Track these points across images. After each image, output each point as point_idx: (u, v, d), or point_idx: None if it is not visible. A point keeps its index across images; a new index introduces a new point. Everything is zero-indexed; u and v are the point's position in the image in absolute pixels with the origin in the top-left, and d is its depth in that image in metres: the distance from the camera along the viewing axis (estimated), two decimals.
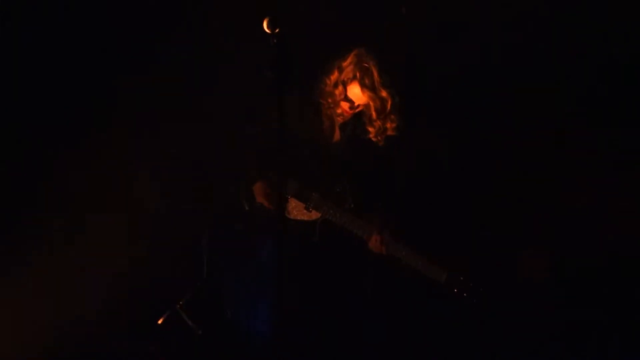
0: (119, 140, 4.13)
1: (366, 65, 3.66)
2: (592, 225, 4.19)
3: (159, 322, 3.93)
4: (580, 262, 4.21)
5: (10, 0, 3.94)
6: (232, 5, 4.04)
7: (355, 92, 3.69)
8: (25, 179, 4.05)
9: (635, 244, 4.13)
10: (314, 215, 3.78)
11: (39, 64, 3.99)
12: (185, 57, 4.12)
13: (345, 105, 3.73)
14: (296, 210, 3.79)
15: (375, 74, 3.66)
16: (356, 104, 3.72)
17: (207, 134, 4.14)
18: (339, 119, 3.82)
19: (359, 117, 3.79)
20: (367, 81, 3.66)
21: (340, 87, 3.71)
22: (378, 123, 3.74)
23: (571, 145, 4.17)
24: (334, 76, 3.73)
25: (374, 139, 3.78)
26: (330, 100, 3.75)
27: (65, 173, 4.07)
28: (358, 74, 3.66)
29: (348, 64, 3.70)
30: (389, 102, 3.69)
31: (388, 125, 3.74)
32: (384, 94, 3.68)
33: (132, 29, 4.07)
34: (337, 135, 3.86)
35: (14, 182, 4.02)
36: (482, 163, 4.28)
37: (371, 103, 3.70)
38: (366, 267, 3.85)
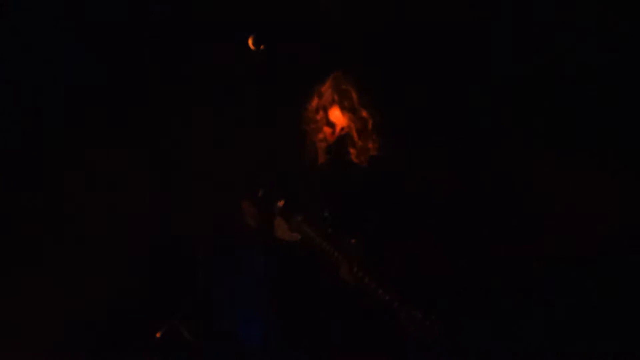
0: (116, 153, 4.16)
1: (344, 87, 3.73)
2: (585, 226, 4.19)
3: (157, 335, 3.93)
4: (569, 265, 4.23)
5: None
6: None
7: (337, 116, 3.76)
8: (24, 183, 4.08)
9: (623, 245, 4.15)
10: (295, 237, 3.81)
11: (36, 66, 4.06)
12: (179, 70, 4.17)
13: (328, 130, 3.79)
14: (281, 229, 3.83)
15: (354, 95, 3.73)
16: (338, 128, 3.79)
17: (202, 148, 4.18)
18: (323, 144, 3.87)
19: (342, 139, 3.84)
20: (346, 103, 3.73)
21: (321, 113, 3.78)
22: (360, 144, 3.79)
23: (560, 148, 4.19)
24: (314, 102, 3.81)
25: (356, 160, 3.82)
26: (313, 127, 3.82)
27: (61, 188, 4.11)
28: (336, 97, 3.73)
29: (327, 88, 3.77)
30: (370, 122, 3.76)
31: (370, 145, 3.79)
32: (364, 114, 3.75)
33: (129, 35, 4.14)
34: (321, 158, 3.91)
35: (13, 183, 4.06)
36: (467, 183, 4.28)
37: (352, 124, 3.76)
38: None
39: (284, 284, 3.80)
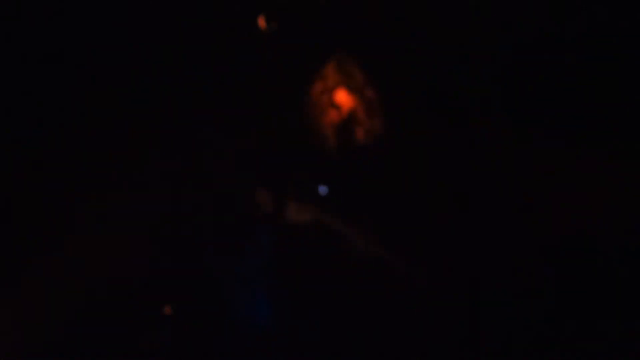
0: (122, 142, 4.17)
1: (349, 68, 3.77)
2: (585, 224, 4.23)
3: (166, 312, 3.92)
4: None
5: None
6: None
7: (342, 98, 3.80)
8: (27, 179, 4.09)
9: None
10: (308, 217, 3.84)
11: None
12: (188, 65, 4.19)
13: (333, 112, 3.83)
14: (292, 211, 3.84)
15: (359, 75, 3.77)
16: (344, 110, 3.82)
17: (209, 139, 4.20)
18: (329, 127, 3.92)
19: (349, 121, 3.87)
20: (352, 84, 3.77)
21: (326, 96, 3.82)
22: (367, 123, 3.83)
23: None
24: (318, 85, 3.83)
25: (363, 140, 3.85)
26: (318, 111, 3.86)
27: (68, 172, 4.12)
28: (342, 79, 3.78)
29: (330, 70, 3.80)
30: (376, 101, 3.81)
31: (377, 124, 3.83)
32: (370, 93, 3.79)
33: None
34: (330, 140, 3.94)
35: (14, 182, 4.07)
36: (473, 160, 4.21)
37: (359, 105, 3.81)
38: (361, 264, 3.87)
39: (294, 263, 3.82)
